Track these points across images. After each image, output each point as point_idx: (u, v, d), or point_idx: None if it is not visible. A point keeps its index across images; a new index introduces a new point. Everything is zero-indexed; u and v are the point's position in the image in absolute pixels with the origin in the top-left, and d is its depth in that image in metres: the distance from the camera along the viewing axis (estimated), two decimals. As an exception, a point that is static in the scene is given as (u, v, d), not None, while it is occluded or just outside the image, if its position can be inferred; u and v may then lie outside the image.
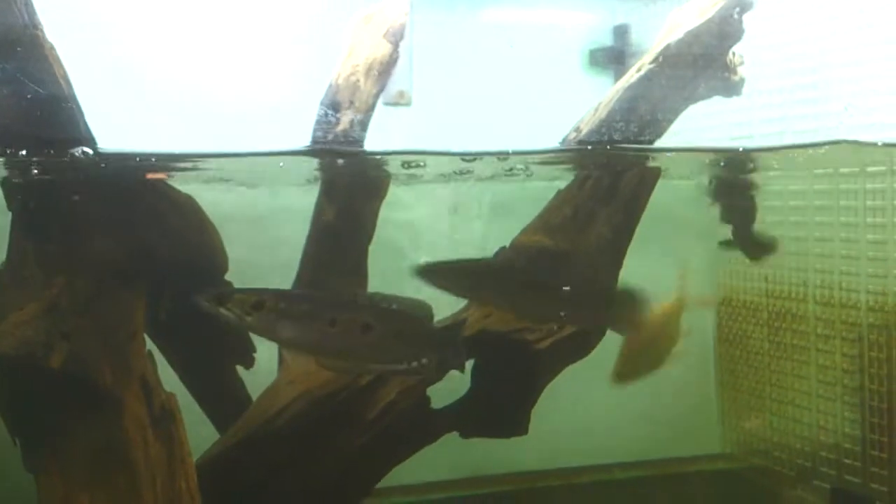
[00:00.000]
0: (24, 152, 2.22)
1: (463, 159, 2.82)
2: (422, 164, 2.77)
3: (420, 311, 2.51)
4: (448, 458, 3.23)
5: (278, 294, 2.47)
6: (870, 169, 3.36)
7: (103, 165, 2.41)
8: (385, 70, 2.82)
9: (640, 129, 2.84)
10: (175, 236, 2.70)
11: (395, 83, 3.49)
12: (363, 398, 2.73)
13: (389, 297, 2.52)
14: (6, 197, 2.57)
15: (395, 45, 2.83)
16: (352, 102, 2.77)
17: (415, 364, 2.46)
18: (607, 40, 3.94)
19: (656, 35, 2.95)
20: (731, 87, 2.99)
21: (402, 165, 2.78)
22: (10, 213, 2.56)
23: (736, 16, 2.85)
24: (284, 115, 2.95)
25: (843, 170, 3.40)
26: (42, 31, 2.29)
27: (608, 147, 2.75)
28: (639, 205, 2.92)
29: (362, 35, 2.82)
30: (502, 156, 2.77)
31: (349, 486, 2.83)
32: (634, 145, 2.82)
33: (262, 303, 2.40)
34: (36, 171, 2.49)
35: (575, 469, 3.70)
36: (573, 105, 3.08)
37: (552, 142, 2.95)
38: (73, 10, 2.91)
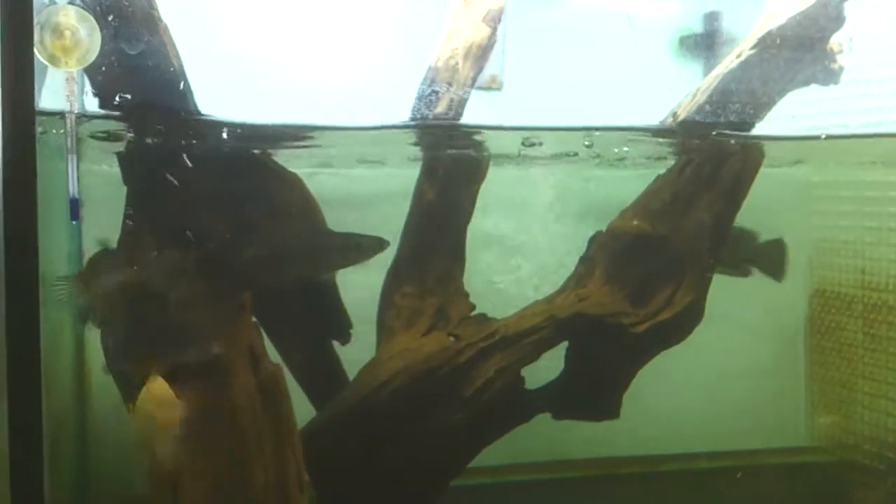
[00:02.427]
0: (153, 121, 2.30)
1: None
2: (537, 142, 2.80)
3: None
4: (534, 440, 3.24)
5: None
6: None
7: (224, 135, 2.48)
8: (483, 53, 2.86)
9: (739, 114, 2.84)
10: (280, 212, 2.77)
11: (488, 67, 3.51)
12: (462, 375, 2.76)
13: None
14: (122, 170, 2.65)
15: (494, 29, 2.86)
16: (450, 85, 2.81)
17: None
18: (697, 27, 3.90)
19: (748, 22, 2.94)
20: (829, 75, 2.97)
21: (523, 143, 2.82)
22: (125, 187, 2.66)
23: (837, 2, 2.83)
24: (383, 97, 3.00)
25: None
26: (158, 10, 2.37)
27: (713, 133, 2.74)
28: (741, 191, 2.90)
29: (461, 18, 2.86)
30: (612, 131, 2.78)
31: (444, 463, 2.86)
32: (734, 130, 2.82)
33: None
34: (153, 143, 2.58)
35: (659, 457, 3.69)
36: (663, 91, 3.07)
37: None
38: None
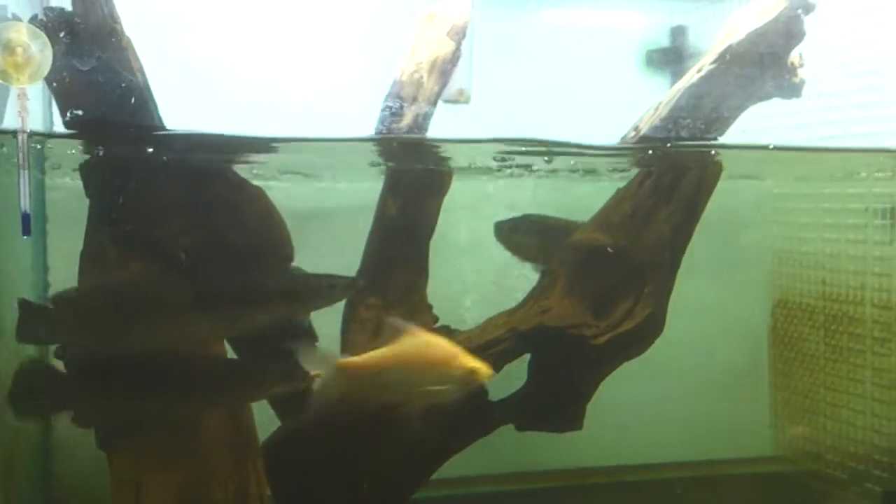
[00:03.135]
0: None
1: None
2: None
3: None
4: (499, 451, 3.26)
5: None
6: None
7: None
8: (448, 67, 2.88)
9: (700, 128, 2.87)
10: (244, 225, 2.77)
11: (455, 81, 3.54)
12: (424, 387, 2.78)
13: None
14: (84, 183, 2.67)
15: (458, 43, 2.88)
16: (415, 99, 2.83)
17: None
18: (664, 41, 3.95)
19: (714, 36, 2.97)
20: (791, 89, 3.00)
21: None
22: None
23: (797, 17, 2.87)
24: (349, 110, 3.01)
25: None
26: (120, 24, 2.38)
27: (668, 144, 2.78)
28: (699, 204, 2.93)
29: (426, 33, 2.88)
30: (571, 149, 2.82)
31: (407, 475, 2.88)
32: (695, 142, 2.86)
33: None
34: (115, 157, 2.58)
35: (625, 467, 3.73)
36: (630, 105, 3.11)
37: (610, 141, 3.00)
38: (148, 6, 3.01)
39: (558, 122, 3.47)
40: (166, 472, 2.49)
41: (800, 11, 2.86)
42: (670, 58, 3.91)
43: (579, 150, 2.88)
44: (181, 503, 2.49)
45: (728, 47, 2.86)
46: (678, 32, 3.95)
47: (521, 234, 3.21)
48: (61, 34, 2.05)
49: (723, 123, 2.92)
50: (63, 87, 2.15)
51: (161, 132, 2.39)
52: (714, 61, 2.86)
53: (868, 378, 3.56)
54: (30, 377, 2.54)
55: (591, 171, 3.39)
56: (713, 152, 2.90)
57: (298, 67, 3.32)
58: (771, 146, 2.90)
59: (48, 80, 2.06)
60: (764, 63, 2.90)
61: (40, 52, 1.92)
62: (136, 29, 2.44)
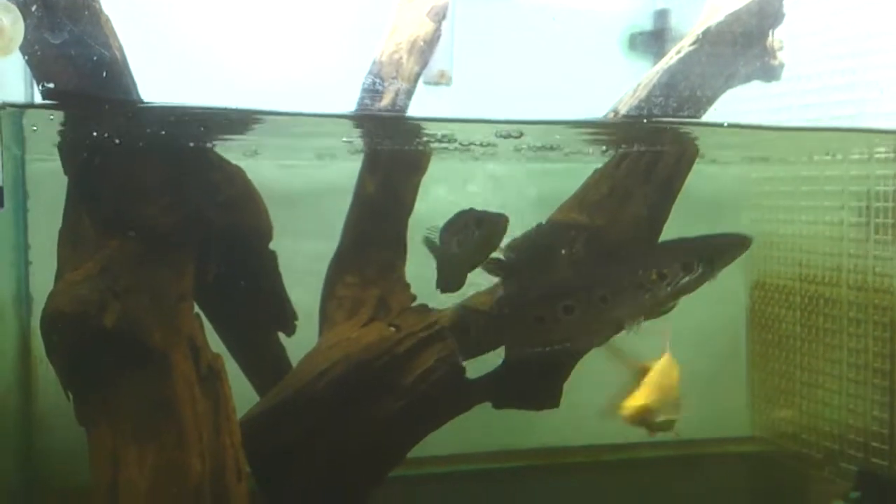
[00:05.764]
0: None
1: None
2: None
3: None
4: (477, 430, 3.28)
5: None
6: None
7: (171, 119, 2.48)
8: (428, 48, 2.88)
9: (678, 107, 2.88)
10: (224, 203, 2.79)
11: (436, 62, 3.55)
12: (402, 364, 2.79)
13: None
14: (62, 161, 2.68)
15: (438, 24, 2.89)
16: (394, 79, 2.84)
17: None
18: (647, 24, 3.96)
19: (696, 19, 2.98)
20: (770, 72, 3.01)
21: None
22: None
23: (776, -1, 2.89)
24: (330, 91, 3.02)
25: (877, 154, 3.41)
26: (98, 1, 2.38)
27: (644, 121, 2.79)
28: (676, 184, 2.93)
29: (406, 13, 2.88)
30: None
31: (384, 451, 2.90)
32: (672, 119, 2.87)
33: None
34: (94, 133, 2.59)
35: (603, 447, 3.76)
36: (612, 88, 3.12)
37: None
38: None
39: (540, 105, 3.51)
40: (144, 446, 2.51)
41: (776, -9, 2.88)
42: (653, 41, 3.92)
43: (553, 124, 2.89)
44: (158, 477, 2.51)
45: (706, 29, 2.87)
46: (661, 15, 3.95)
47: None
48: (33, 8, 2.06)
49: (698, 104, 2.93)
50: (35, 60, 2.16)
51: (132, 105, 2.38)
52: (693, 43, 2.86)
53: (843, 359, 3.59)
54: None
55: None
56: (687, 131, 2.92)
57: (280, 47, 3.32)
58: (725, 124, 2.91)
59: (22, 54, 2.07)
60: (742, 45, 2.91)
61: (12, 26, 1.93)
62: (117, 6, 2.45)
